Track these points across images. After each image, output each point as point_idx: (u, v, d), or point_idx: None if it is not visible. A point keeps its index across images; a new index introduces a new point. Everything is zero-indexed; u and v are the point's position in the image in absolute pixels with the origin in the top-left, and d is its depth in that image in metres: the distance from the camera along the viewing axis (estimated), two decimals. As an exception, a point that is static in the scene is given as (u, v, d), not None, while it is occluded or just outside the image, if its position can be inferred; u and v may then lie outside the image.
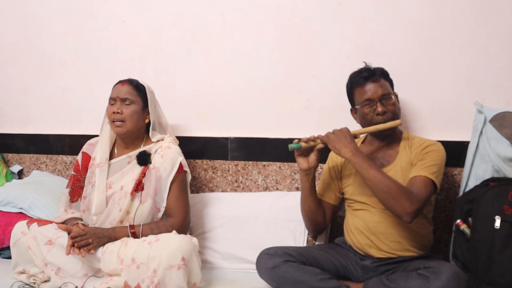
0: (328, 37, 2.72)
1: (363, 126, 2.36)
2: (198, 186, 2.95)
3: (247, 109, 2.89)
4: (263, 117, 2.87)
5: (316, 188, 2.43)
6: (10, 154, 3.49)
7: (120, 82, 2.56)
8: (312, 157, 2.33)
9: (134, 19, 3.11)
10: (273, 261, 2.19)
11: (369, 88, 2.31)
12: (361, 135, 2.47)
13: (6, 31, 3.47)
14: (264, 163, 2.83)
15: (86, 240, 2.28)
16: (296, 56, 2.79)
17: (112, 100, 2.52)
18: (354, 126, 2.34)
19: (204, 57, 2.96)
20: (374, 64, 2.38)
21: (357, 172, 2.20)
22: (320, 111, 2.77)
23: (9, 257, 2.73)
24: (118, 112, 2.48)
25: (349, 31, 2.69)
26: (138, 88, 2.55)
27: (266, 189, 2.84)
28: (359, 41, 2.67)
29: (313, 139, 2.30)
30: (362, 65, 2.40)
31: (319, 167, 2.57)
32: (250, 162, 2.86)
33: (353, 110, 2.43)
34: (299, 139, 2.29)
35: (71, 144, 3.28)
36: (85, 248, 2.25)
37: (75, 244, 2.26)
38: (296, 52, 2.79)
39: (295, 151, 2.32)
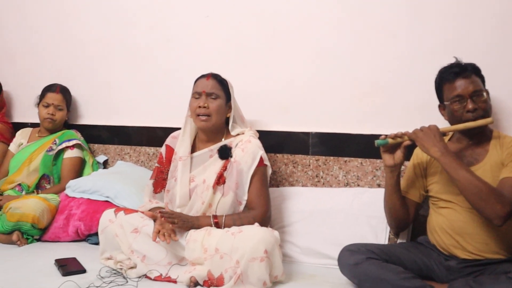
0: (412, 32, 2.67)
1: (452, 123, 2.29)
2: (278, 180, 2.96)
3: (328, 104, 2.88)
4: (344, 112, 2.85)
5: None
6: (96, 145, 3.63)
7: (203, 76, 2.60)
8: (398, 153, 2.28)
9: (216, 14, 3.15)
10: (355, 258, 2.17)
11: (460, 84, 2.24)
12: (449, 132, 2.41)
13: (92, 27, 3.60)
14: (345, 158, 2.81)
15: (172, 218, 2.34)
16: (379, 52, 2.75)
17: (197, 94, 2.56)
18: (439, 123, 2.27)
19: (285, 52, 2.97)
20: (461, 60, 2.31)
21: (446, 172, 2.14)
22: (403, 108, 2.71)
23: (96, 243, 2.85)
24: (204, 107, 2.52)
25: (434, 26, 2.62)
26: (222, 83, 2.59)
27: (347, 185, 2.81)
28: (445, 36, 2.60)
29: (400, 136, 2.26)
30: (448, 61, 2.33)
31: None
32: (331, 158, 2.84)
33: (441, 107, 2.36)
34: (386, 135, 2.26)
35: (153, 136, 3.38)
36: (169, 234, 2.31)
37: (161, 230, 2.33)
38: (379, 47, 2.75)
39: (381, 147, 2.29)
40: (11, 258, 2.68)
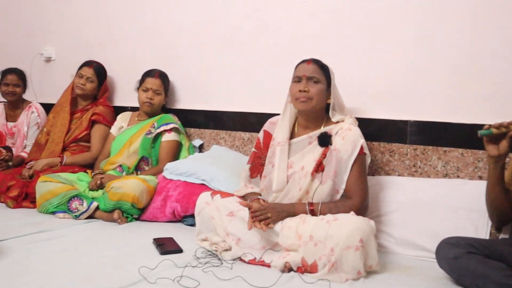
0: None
1: None
2: (374, 169, 2.91)
3: (427, 92, 2.78)
4: (444, 101, 2.74)
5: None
6: (192, 129, 3.72)
7: (304, 61, 2.59)
8: (503, 144, 2.17)
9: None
10: (454, 251, 2.09)
11: None
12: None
13: (190, 14, 3.68)
14: (445, 148, 2.71)
15: (265, 214, 2.36)
16: (484, 36, 2.62)
17: (297, 78, 2.55)
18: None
19: (383, 38, 2.89)
20: None
21: None
22: (508, 97, 2.57)
23: (191, 225, 2.94)
24: (305, 91, 2.51)
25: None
26: (323, 68, 2.57)
27: (446, 175, 2.72)
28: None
29: (506, 125, 2.15)
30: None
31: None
32: (430, 147, 2.75)
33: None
34: (490, 125, 2.15)
35: (248, 122, 3.41)
36: (265, 222, 2.34)
37: (255, 218, 2.36)
38: (484, 32, 2.61)
39: (484, 137, 2.19)
40: (113, 235, 2.82)
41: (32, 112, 4.24)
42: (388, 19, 2.87)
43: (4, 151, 3.95)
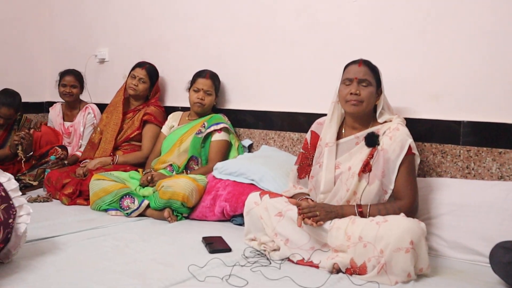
0: None
1: None
2: (425, 170, 2.85)
3: (482, 92, 2.70)
4: (500, 101, 2.66)
5: None
6: (242, 129, 3.74)
7: (355, 62, 2.56)
8: None
9: (364, -2, 3.10)
10: (510, 256, 2.03)
11: None
12: None
13: (240, 14, 3.70)
14: (500, 150, 2.63)
15: (314, 212, 2.35)
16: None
17: (348, 80, 2.53)
18: None
19: (437, 36, 2.83)
20: None
21: None
22: None
23: (240, 224, 2.96)
24: (356, 94, 2.48)
25: None
26: (373, 70, 2.54)
27: (501, 178, 2.64)
28: None
29: None
30: None
31: None
32: (484, 149, 2.67)
33: None
34: None
35: (299, 122, 3.40)
36: (313, 219, 2.33)
37: (303, 216, 2.36)
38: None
39: None
40: (163, 233, 2.87)
41: (89, 113, 4.36)
42: (442, 17, 2.81)
43: (59, 149, 4.08)
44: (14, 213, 2.26)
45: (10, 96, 4.01)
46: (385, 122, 2.56)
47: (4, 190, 2.26)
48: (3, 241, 2.21)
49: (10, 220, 2.23)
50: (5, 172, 2.35)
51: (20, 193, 2.33)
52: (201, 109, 3.63)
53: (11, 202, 2.27)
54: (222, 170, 3.22)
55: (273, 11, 3.52)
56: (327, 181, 2.53)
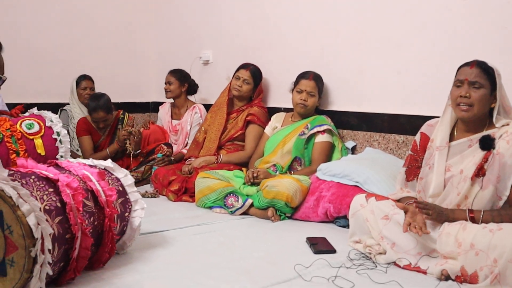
0: None
1: None
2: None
3: None
4: None
5: None
6: (345, 131, 3.72)
7: (467, 64, 2.46)
8: None
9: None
10: None
11: None
12: None
13: (344, 16, 3.67)
14: None
15: (426, 210, 2.30)
16: None
17: (459, 82, 2.44)
18: None
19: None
20: None
21: None
22: None
23: (343, 226, 2.95)
24: (466, 96, 2.39)
25: None
26: (487, 72, 2.41)
27: None
28: None
29: None
30: None
31: None
32: None
33: None
34: None
35: (404, 124, 3.34)
36: (421, 227, 2.27)
37: (411, 223, 2.30)
38: None
39: None
40: (267, 231, 2.91)
41: (196, 112, 4.52)
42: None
43: (165, 147, 4.26)
44: (130, 207, 2.39)
45: (99, 99, 4.18)
46: (503, 126, 2.44)
47: (122, 185, 2.39)
48: (119, 233, 2.34)
49: (126, 214, 2.36)
50: (122, 168, 2.49)
51: (135, 189, 2.45)
52: (304, 110, 3.65)
53: (127, 196, 2.40)
54: (326, 171, 3.22)
55: (378, 12, 3.48)
56: (437, 184, 2.46)
